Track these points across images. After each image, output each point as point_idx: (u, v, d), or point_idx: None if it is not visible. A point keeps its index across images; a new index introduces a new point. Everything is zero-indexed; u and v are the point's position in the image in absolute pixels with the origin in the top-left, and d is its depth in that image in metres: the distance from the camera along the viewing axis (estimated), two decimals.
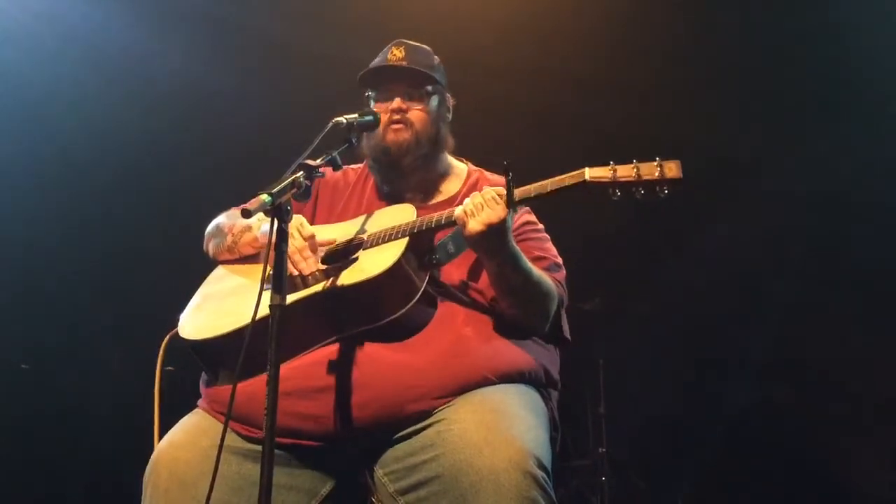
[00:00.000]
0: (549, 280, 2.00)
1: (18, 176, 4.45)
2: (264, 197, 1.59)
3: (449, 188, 2.22)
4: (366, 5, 4.28)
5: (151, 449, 1.90)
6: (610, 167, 1.79)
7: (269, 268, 1.64)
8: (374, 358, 1.81)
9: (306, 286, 1.89)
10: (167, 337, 2.73)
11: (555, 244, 2.19)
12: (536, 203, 1.92)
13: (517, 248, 1.90)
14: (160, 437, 1.94)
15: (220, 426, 1.65)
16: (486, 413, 1.73)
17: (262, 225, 2.03)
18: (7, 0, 4.24)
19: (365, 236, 2.00)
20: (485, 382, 1.82)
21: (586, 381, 4.78)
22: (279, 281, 1.60)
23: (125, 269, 4.67)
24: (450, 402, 1.78)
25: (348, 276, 1.86)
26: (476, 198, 1.84)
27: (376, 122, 2.09)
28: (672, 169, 1.76)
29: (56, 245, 4.58)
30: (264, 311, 1.63)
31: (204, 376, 2.02)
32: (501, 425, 1.70)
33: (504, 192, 1.82)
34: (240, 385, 1.69)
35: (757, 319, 4.76)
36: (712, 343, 4.75)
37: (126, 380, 4.41)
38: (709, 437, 4.71)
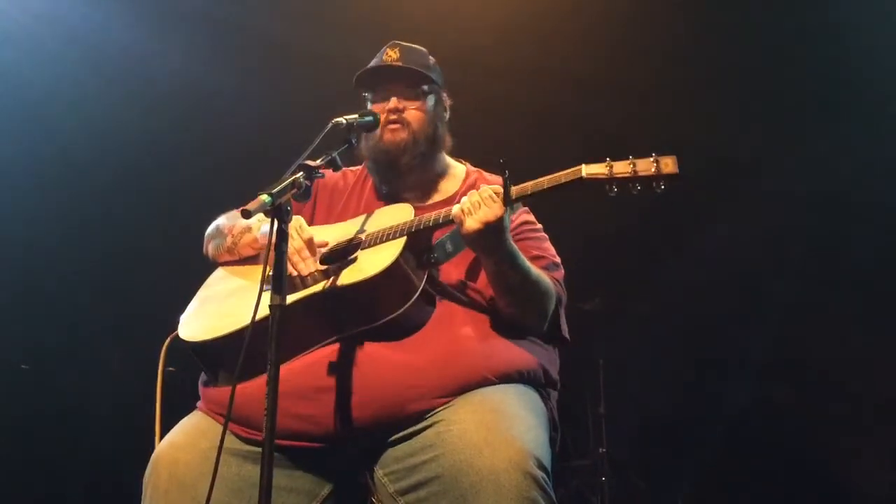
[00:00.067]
0: (548, 279, 2.00)
1: (18, 176, 4.45)
2: (264, 197, 1.59)
3: (447, 188, 2.22)
4: (366, 5, 4.28)
5: (152, 449, 1.90)
6: (606, 163, 1.79)
7: (268, 268, 1.64)
8: (374, 358, 1.81)
9: (305, 287, 1.90)
10: (168, 338, 2.74)
11: (554, 244, 2.18)
12: (535, 202, 1.92)
13: (515, 246, 1.90)
14: (161, 438, 1.94)
15: (220, 427, 1.65)
16: (485, 413, 1.73)
17: (261, 226, 2.04)
18: (7, 1, 4.24)
19: (363, 236, 2.00)
20: (484, 382, 1.82)
21: (586, 381, 4.78)
22: (279, 281, 1.60)
23: (125, 269, 4.67)
24: (449, 402, 1.78)
25: (347, 276, 1.86)
26: (473, 196, 1.84)
27: (376, 122, 2.10)
28: (668, 164, 1.76)
29: (56, 245, 4.58)
30: (264, 311, 1.63)
31: (202, 377, 2.02)
32: (501, 426, 1.70)
33: (501, 189, 1.82)
34: (239, 386, 1.69)
35: (757, 319, 4.75)
36: (712, 343, 4.75)
37: (126, 380, 4.42)
38: (709, 437, 4.71)
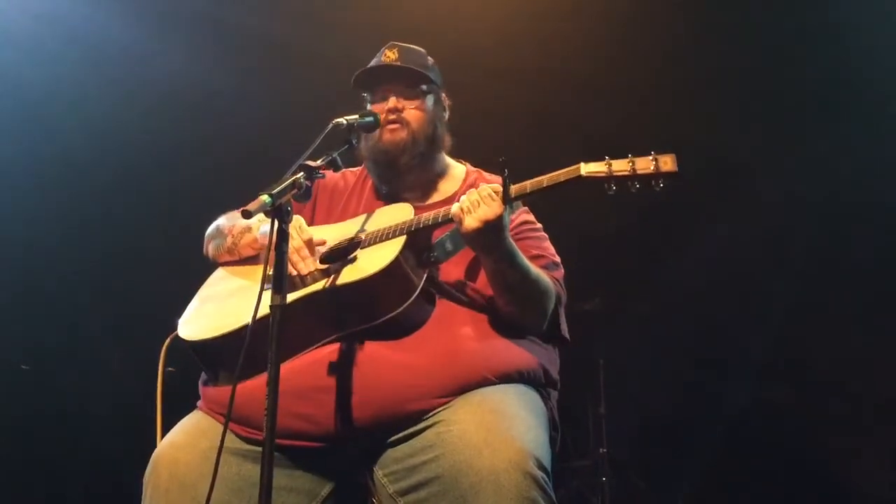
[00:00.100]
0: (547, 278, 2.01)
1: (18, 176, 4.45)
2: (265, 198, 1.59)
3: (447, 188, 2.22)
4: (366, 5, 4.28)
5: (152, 449, 1.90)
6: (605, 162, 1.79)
7: (269, 267, 1.64)
8: (374, 357, 1.82)
9: (305, 286, 1.90)
10: (168, 339, 2.74)
11: (554, 244, 2.19)
12: (534, 201, 1.93)
13: (514, 245, 1.90)
14: (161, 438, 1.94)
15: (220, 427, 1.66)
16: (485, 414, 1.73)
17: (261, 226, 2.04)
18: (7, 1, 4.24)
19: (363, 236, 2.00)
20: (484, 382, 1.82)
21: (586, 381, 4.77)
22: (279, 281, 1.60)
23: (125, 269, 4.66)
24: (449, 402, 1.78)
25: (346, 275, 1.86)
26: (472, 194, 1.85)
27: (377, 122, 2.10)
28: (667, 163, 1.76)
29: (56, 245, 4.58)
30: (264, 310, 1.63)
31: (203, 377, 2.02)
32: (501, 426, 1.70)
33: (500, 188, 1.82)
34: (239, 386, 1.69)
35: (757, 319, 4.75)
36: (712, 343, 4.75)
37: (126, 380, 4.42)
38: (709, 437, 4.71)
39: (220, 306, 2.04)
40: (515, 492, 1.62)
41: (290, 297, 1.81)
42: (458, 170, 2.28)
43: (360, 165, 2.30)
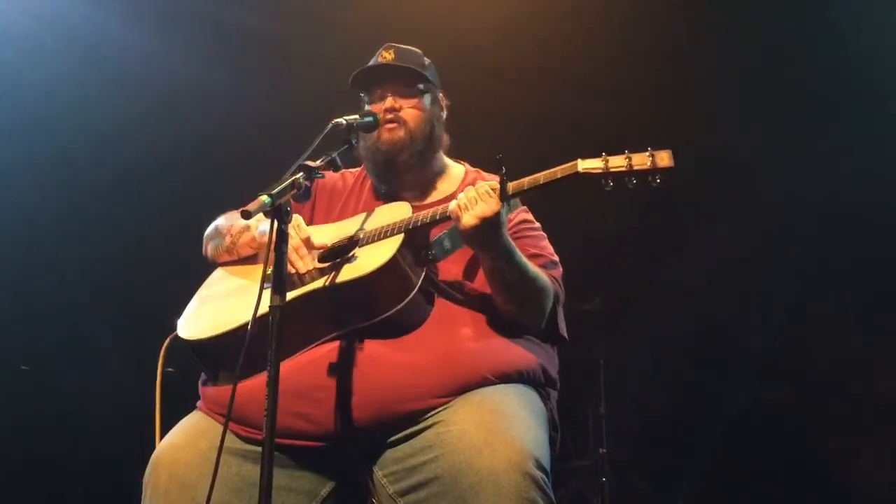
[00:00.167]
0: (545, 276, 2.01)
1: (18, 176, 4.45)
2: (264, 198, 1.59)
3: (445, 187, 2.22)
4: (366, 6, 4.28)
5: (152, 449, 1.90)
6: (602, 158, 1.79)
7: (268, 267, 1.64)
8: (374, 357, 1.82)
9: (304, 284, 1.90)
10: (167, 339, 2.74)
11: (554, 244, 2.19)
12: (533, 199, 1.93)
13: (512, 242, 1.90)
14: (161, 438, 1.94)
15: (220, 427, 1.66)
16: (485, 414, 1.73)
17: (259, 225, 2.04)
18: (7, 1, 4.24)
19: (362, 234, 2.00)
20: (484, 382, 1.82)
21: (586, 381, 4.77)
22: (279, 282, 1.60)
23: (125, 269, 4.67)
24: (449, 402, 1.78)
25: (345, 273, 1.86)
26: (470, 192, 1.85)
27: (377, 123, 2.10)
28: (664, 158, 1.76)
29: (56, 245, 4.58)
30: (263, 309, 1.64)
31: (202, 377, 2.02)
32: (501, 426, 1.70)
33: (497, 185, 1.82)
34: (238, 385, 1.69)
35: (757, 319, 4.75)
36: (712, 343, 4.75)
37: (126, 380, 4.42)
38: (709, 437, 4.71)
39: (220, 306, 2.04)
40: (515, 492, 1.62)
41: (289, 295, 1.81)
42: (456, 169, 2.28)
43: (360, 166, 2.30)
